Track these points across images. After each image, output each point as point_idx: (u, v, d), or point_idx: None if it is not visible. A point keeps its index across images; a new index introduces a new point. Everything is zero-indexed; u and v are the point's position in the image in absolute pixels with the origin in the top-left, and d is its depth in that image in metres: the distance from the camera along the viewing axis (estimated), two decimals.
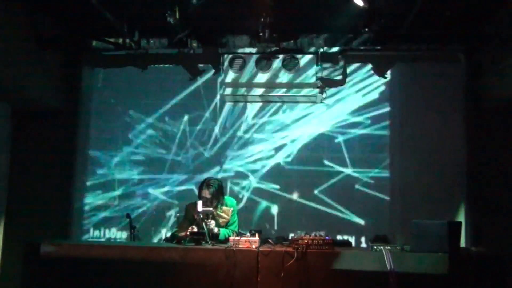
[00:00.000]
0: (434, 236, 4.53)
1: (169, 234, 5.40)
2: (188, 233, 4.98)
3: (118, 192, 7.24)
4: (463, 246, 5.40)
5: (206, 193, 5.29)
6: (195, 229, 4.96)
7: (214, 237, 5.08)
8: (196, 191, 5.73)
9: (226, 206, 5.43)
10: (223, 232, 5.27)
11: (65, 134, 7.27)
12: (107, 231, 7.09)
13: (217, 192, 5.35)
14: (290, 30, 6.49)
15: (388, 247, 4.56)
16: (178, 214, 5.71)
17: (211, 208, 5.11)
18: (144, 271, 4.62)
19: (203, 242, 4.85)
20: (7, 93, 6.52)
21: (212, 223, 5.12)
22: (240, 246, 4.63)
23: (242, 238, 4.69)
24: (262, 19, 5.96)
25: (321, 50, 6.84)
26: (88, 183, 7.31)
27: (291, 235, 5.92)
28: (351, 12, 5.83)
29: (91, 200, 7.27)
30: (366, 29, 5.85)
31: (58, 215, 7.04)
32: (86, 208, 7.25)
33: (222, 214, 5.32)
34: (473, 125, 6.83)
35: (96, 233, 7.04)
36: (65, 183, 7.21)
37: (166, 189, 7.15)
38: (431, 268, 4.43)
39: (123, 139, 7.35)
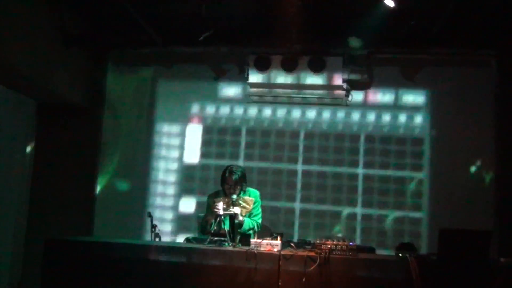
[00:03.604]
0: (462, 245, 4.38)
1: (190, 236, 5.34)
2: (215, 209, 4.92)
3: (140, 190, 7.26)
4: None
5: (229, 180, 5.25)
6: (220, 210, 4.89)
7: (239, 225, 5.04)
8: None
9: (249, 196, 5.36)
10: (247, 222, 5.21)
11: (90, 131, 7.30)
12: (129, 229, 7.06)
13: (240, 179, 5.30)
14: (318, 30, 6.37)
15: (414, 255, 4.43)
16: (200, 214, 5.64)
17: (232, 212, 5.02)
18: (164, 271, 4.57)
19: (224, 243, 4.78)
20: (33, 89, 6.58)
21: (237, 210, 5.04)
22: (261, 249, 4.54)
23: (264, 240, 4.60)
24: (289, 19, 5.87)
25: (349, 52, 6.70)
26: (112, 181, 7.33)
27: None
28: (381, 13, 5.71)
29: (114, 198, 7.27)
30: (396, 30, 5.71)
31: (81, 213, 7.06)
32: (109, 206, 7.24)
33: (244, 204, 5.23)
34: (503, 132, 6.63)
35: (118, 231, 6.99)
36: (89, 181, 7.24)
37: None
38: (458, 278, 4.28)
39: (147, 138, 7.36)
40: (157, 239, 5.90)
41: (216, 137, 7.27)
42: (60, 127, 7.26)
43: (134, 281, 4.58)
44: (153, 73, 7.41)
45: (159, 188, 7.33)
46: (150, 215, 5.97)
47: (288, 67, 6.66)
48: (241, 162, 6.98)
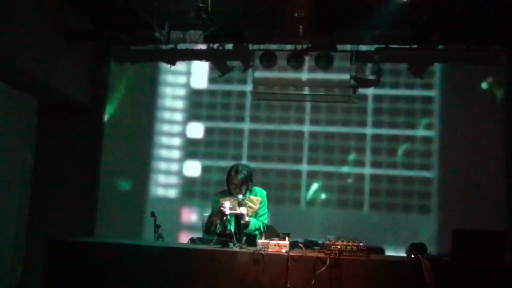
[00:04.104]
0: (477, 246, 4.25)
1: (195, 236, 5.21)
2: (221, 208, 4.80)
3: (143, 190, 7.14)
4: None
5: (235, 180, 5.11)
6: (226, 209, 4.76)
7: (244, 226, 4.93)
8: None
9: (256, 196, 5.23)
10: (253, 222, 5.08)
11: (91, 129, 7.18)
12: (132, 230, 6.94)
13: (246, 178, 5.15)
14: (325, 26, 6.24)
15: (427, 256, 4.30)
16: (205, 214, 5.52)
17: (239, 212, 4.89)
18: (168, 272, 4.44)
19: (231, 244, 4.64)
20: (34, 85, 6.44)
21: (244, 210, 4.89)
22: (269, 250, 4.40)
23: (272, 241, 4.46)
24: (296, 14, 5.75)
25: (356, 47, 6.56)
26: (114, 180, 7.20)
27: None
28: (390, 8, 5.58)
29: (117, 197, 7.13)
30: (407, 26, 5.57)
31: (83, 213, 6.95)
32: (112, 205, 7.11)
33: (250, 203, 5.11)
34: None
35: (121, 231, 6.86)
36: (91, 180, 7.11)
37: None
38: (472, 280, 4.15)
39: (150, 134, 7.24)
40: (160, 240, 5.81)
41: (219, 137, 7.13)
42: (61, 125, 7.14)
43: (137, 283, 4.45)
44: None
45: (161, 189, 7.19)
46: (153, 215, 5.88)
47: (295, 64, 6.52)
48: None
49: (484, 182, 6.54)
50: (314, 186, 6.90)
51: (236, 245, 4.62)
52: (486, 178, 6.56)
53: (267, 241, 4.46)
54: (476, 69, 6.71)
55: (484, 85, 6.67)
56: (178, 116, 7.28)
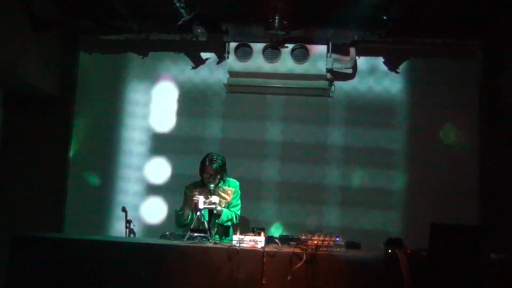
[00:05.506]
0: (454, 240, 4.22)
1: (167, 232, 5.07)
2: (194, 199, 4.76)
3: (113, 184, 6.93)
4: None
5: (209, 169, 5.05)
6: (200, 203, 4.70)
7: (216, 216, 4.89)
8: None
9: (229, 186, 5.17)
10: (226, 213, 5.02)
11: (60, 122, 6.94)
12: (101, 225, 6.75)
13: (220, 168, 5.11)
14: (301, 17, 6.15)
15: (404, 251, 4.25)
16: (177, 209, 5.38)
17: (213, 206, 4.79)
18: (139, 269, 4.31)
19: (204, 239, 4.53)
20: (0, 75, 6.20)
21: (216, 199, 4.82)
22: (244, 245, 4.31)
23: (247, 237, 4.37)
24: (271, 5, 5.64)
25: (333, 40, 6.46)
26: (83, 174, 6.96)
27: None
28: (367, 1, 5.53)
29: (86, 192, 6.91)
30: (385, 17, 5.51)
31: (51, 208, 6.73)
32: (80, 200, 6.88)
33: (223, 194, 5.03)
34: (488, 124, 6.50)
35: (91, 227, 6.67)
36: (59, 174, 6.88)
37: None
38: (450, 275, 4.12)
39: (120, 128, 7.03)
40: (131, 235, 5.68)
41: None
42: (28, 117, 6.89)
43: (107, 281, 4.31)
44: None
45: (133, 183, 6.99)
46: (124, 210, 5.74)
47: (270, 56, 6.41)
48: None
49: (456, 179, 6.53)
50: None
51: (210, 240, 4.51)
52: (459, 175, 6.55)
53: (242, 236, 4.36)
54: (448, 64, 6.69)
55: (456, 81, 6.66)
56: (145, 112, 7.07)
